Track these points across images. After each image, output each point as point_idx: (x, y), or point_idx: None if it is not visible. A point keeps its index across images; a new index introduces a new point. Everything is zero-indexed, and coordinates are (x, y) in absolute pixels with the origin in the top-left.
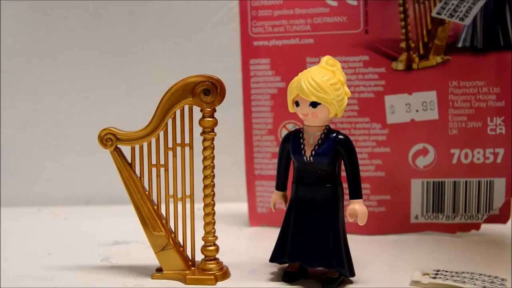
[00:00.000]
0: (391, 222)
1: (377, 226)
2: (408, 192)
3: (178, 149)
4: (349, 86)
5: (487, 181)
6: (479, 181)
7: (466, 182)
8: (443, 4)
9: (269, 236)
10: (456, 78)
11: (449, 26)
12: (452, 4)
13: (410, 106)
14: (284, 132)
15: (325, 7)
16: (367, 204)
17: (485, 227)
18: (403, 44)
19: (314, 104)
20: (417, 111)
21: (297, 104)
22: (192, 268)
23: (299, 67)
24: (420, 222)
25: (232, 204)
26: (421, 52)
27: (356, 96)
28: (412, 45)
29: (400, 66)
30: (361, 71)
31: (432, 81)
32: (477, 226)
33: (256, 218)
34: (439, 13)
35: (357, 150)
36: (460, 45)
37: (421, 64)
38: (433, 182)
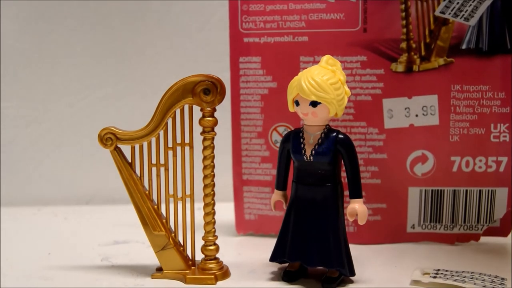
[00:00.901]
0: (386, 231)
1: (371, 235)
2: (405, 201)
3: (178, 148)
4: None
5: (488, 191)
6: (480, 191)
7: (466, 191)
8: (447, 2)
9: (270, 236)
10: (459, 82)
11: (453, 27)
12: (457, 3)
13: (409, 111)
14: (275, 136)
15: (322, 3)
16: None
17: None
18: (403, 45)
19: (314, 104)
20: (416, 115)
21: (297, 103)
22: (192, 267)
23: (292, 66)
24: (417, 232)
25: (232, 204)
26: (423, 53)
27: (353, 99)
28: (413, 45)
29: (400, 67)
30: (358, 72)
31: (434, 85)
32: (476, 237)
33: (243, 225)
34: (442, 12)
35: None
36: (464, 47)
37: (422, 66)
38: (432, 190)
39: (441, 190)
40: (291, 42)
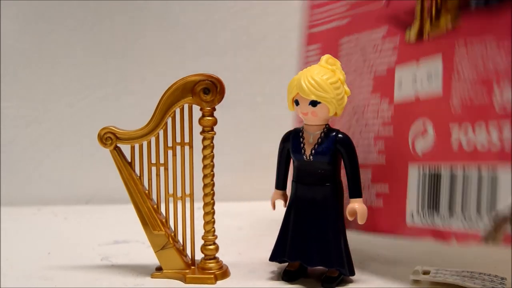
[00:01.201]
0: (386, 219)
1: (371, 223)
2: (405, 183)
3: (178, 148)
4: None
5: (489, 169)
6: (479, 168)
7: (464, 169)
8: None
9: (270, 236)
10: (465, 42)
11: None
12: None
13: (416, 79)
14: None
15: None
16: (367, 196)
17: None
18: (417, 10)
19: (313, 103)
20: (422, 84)
21: (297, 103)
22: (192, 267)
23: (337, 49)
24: (416, 225)
25: (231, 203)
26: (433, 17)
27: (373, 75)
28: (425, 10)
29: (411, 35)
30: (379, 45)
31: (440, 48)
32: (476, 238)
33: None
34: None
35: (365, 133)
36: (473, 4)
37: (432, 30)
38: (430, 169)
39: (438, 169)
40: (337, 27)
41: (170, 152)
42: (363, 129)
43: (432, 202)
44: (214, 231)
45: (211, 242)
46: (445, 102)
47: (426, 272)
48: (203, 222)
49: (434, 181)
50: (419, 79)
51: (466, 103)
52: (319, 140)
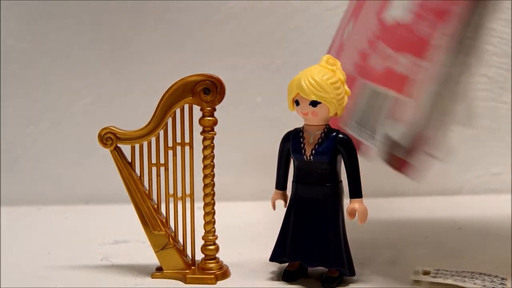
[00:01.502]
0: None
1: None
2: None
3: (178, 148)
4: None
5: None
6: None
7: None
8: None
9: (270, 236)
10: None
11: None
12: None
13: (400, 4)
14: None
15: None
16: None
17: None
18: None
19: (314, 103)
20: (398, 9)
21: (297, 103)
22: (192, 267)
23: None
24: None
25: (231, 203)
26: None
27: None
28: None
29: None
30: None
31: None
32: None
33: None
34: None
35: (358, 48)
36: None
37: None
38: (372, 88)
39: (377, 88)
40: None
41: (170, 152)
42: (362, 44)
43: (366, 118)
44: (214, 231)
45: (212, 242)
46: (400, 31)
47: (426, 272)
48: (203, 222)
49: (373, 98)
50: (399, 4)
51: (410, 35)
52: (319, 140)
